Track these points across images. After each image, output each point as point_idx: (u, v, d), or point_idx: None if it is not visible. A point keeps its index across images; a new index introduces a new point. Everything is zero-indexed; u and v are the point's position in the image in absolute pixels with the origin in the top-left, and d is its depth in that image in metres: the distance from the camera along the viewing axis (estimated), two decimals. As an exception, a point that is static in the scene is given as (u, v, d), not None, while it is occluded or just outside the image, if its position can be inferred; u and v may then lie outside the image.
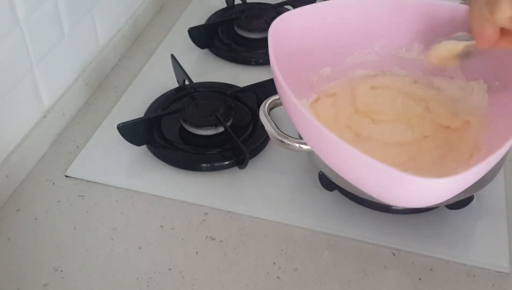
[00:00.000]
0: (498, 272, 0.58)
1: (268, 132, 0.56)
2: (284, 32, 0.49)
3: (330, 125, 0.52)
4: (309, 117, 0.43)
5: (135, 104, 0.77)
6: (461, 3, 0.53)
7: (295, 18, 0.50)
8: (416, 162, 0.50)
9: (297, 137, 0.56)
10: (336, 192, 0.65)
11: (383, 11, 0.53)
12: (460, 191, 0.43)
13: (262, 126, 0.57)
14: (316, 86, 0.54)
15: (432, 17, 0.53)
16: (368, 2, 0.53)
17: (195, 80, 0.77)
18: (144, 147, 0.70)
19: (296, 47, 0.51)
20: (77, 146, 0.71)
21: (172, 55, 0.79)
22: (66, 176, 0.68)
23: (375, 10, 0.53)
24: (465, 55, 0.49)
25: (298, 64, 0.52)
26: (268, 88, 0.75)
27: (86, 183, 0.67)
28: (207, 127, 0.70)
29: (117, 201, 0.65)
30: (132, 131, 0.69)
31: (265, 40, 0.89)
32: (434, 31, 0.53)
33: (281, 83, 0.45)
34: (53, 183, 0.67)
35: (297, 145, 0.55)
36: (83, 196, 0.65)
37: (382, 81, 0.56)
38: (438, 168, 0.49)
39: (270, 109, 0.59)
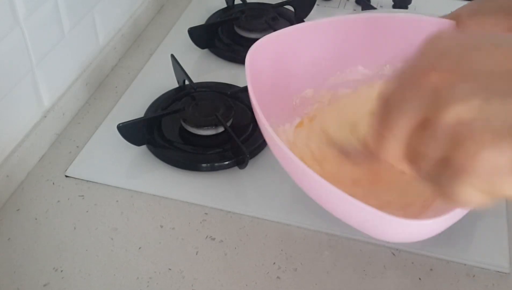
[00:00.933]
0: (498, 272, 0.58)
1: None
2: (263, 57, 0.48)
3: (306, 154, 0.49)
4: (285, 150, 0.41)
5: (135, 104, 0.77)
6: (443, 17, 0.52)
7: (273, 43, 0.49)
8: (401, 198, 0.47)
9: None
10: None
11: (364, 29, 0.51)
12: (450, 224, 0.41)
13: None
14: (299, 109, 0.52)
15: (416, 33, 0.51)
16: (347, 21, 0.51)
17: (195, 80, 0.77)
18: (144, 147, 0.70)
19: (276, 71, 0.49)
20: (77, 146, 0.71)
21: (172, 55, 0.79)
22: (66, 176, 0.68)
23: (355, 28, 0.51)
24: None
25: (279, 88, 0.50)
26: (268, 88, 0.75)
27: (86, 183, 0.67)
28: (207, 127, 0.70)
29: (117, 201, 0.65)
30: (132, 131, 0.69)
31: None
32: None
33: (260, 118, 0.43)
34: (53, 183, 0.67)
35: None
36: (83, 196, 0.65)
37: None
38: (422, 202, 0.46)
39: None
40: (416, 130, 0.32)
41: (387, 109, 0.33)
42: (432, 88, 0.32)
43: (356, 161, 0.42)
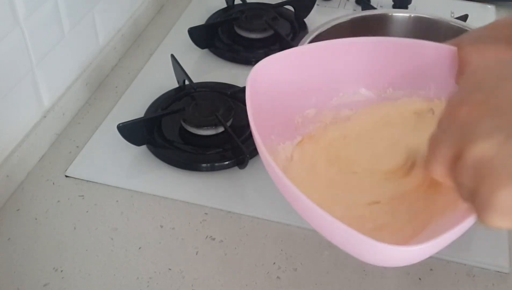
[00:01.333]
0: (498, 272, 0.58)
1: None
2: (264, 78, 0.48)
3: (304, 175, 0.50)
4: (278, 173, 0.42)
5: (135, 104, 0.77)
6: (446, 43, 0.52)
7: (275, 63, 0.49)
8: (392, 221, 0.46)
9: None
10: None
11: (367, 52, 0.52)
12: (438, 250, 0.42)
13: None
14: (301, 128, 0.53)
15: (416, 58, 0.52)
16: (348, 43, 0.52)
17: (195, 80, 0.77)
18: (144, 147, 0.70)
19: (278, 91, 0.50)
20: (77, 146, 0.71)
21: (172, 55, 0.79)
22: (66, 176, 0.68)
23: (356, 51, 0.52)
24: None
25: (281, 107, 0.50)
26: (268, 88, 0.75)
27: (86, 183, 0.67)
28: (207, 127, 0.70)
29: (117, 201, 0.65)
30: (132, 131, 0.69)
31: (265, 40, 0.90)
32: (421, 72, 0.52)
33: (256, 137, 0.44)
34: (53, 183, 0.67)
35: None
36: (83, 196, 0.65)
37: (355, 128, 0.53)
38: (415, 223, 0.45)
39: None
40: (457, 158, 0.35)
41: (433, 138, 0.37)
42: (462, 123, 0.34)
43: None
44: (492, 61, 0.38)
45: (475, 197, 0.33)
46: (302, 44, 0.64)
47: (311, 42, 0.65)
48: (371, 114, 0.53)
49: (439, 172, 0.37)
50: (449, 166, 0.35)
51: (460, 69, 0.49)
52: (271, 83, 0.49)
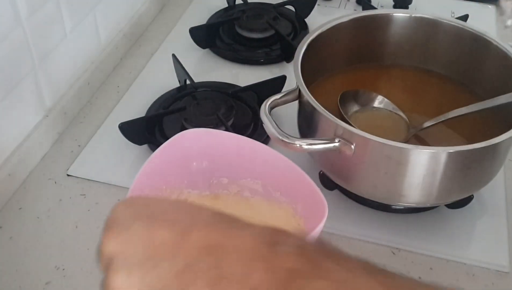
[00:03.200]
0: (498, 271, 0.58)
1: (268, 132, 0.57)
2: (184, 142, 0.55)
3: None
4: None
5: (136, 104, 0.77)
6: None
7: (194, 137, 0.56)
8: None
9: (298, 136, 0.56)
10: (336, 191, 0.65)
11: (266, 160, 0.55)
12: None
13: (263, 125, 0.58)
14: (214, 188, 0.57)
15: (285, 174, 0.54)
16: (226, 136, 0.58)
17: (196, 79, 0.77)
18: (145, 146, 0.70)
19: (200, 155, 0.56)
20: (79, 145, 0.72)
21: (173, 55, 0.80)
22: (68, 175, 0.68)
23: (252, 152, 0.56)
24: None
25: (202, 168, 0.56)
26: (268, 87, 0.75)
27: (88, 182, 0.67)
28: (208, 127, 0.70)
29: (118, 199, 0.65)
30: (134, 130, 0.69)
31: (266, 40, 0.90)
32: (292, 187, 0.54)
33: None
34: (55, 182, 0.67)
35: (298, 144, 0.55)
36: (85, 195, 0.66)
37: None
38: None
39: (271, 108, 0.59)
40: None
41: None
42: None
43: None
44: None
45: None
46: (303, 44, 0.65)
47: (311, 41, 0.66)
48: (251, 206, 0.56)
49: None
50: None
51: None
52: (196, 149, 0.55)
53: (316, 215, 0.49)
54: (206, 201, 0.57)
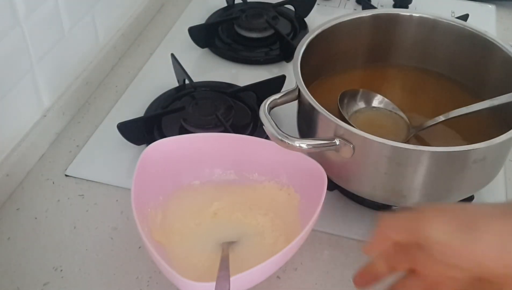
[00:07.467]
0: (498, 272, 0.58)
1: (268, 132, 0.56)
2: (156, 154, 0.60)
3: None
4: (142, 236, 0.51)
5: (135, 103, 0.77)
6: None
7: (165, 144, 0.61)
8: None
9: (297, 136, 0.56)
10: (336, 191, 0.65)
11: (229, 143, 0.63)
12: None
13: (262, 125, 0.57)
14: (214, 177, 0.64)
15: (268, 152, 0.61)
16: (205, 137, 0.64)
17: (195, 79, 0.77)
18: (144, 146, 0.70)
19: (171, 157, 0.62)
20: (77, 145, 0.71)
21: (172, 54, 0.79)
22: (66, 175, 0.68)
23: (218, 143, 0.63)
24: None
25: (173, 175, 0.62)
26: (268, 87, 0.75)
27: (86, 182, 0.67)
28: (207, 127, 0.70)
29: (117, 200, 0.65)
30: (132, 130, 0.69)
31: (265, 39, 0.89)
32: (274, 163, 0.62)
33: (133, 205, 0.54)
34: (53, 182, 0.67)
35: (297, 144, 0.55)
36: (83, 195, 0.65)
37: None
38: None
39: (270, 108, 0.59)
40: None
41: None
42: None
43: None
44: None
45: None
46: (303, 43, 0.64)
47: (311, 41, 0.65)
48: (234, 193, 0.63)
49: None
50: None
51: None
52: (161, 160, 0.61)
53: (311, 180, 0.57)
54: (210, 191, 0.63)
